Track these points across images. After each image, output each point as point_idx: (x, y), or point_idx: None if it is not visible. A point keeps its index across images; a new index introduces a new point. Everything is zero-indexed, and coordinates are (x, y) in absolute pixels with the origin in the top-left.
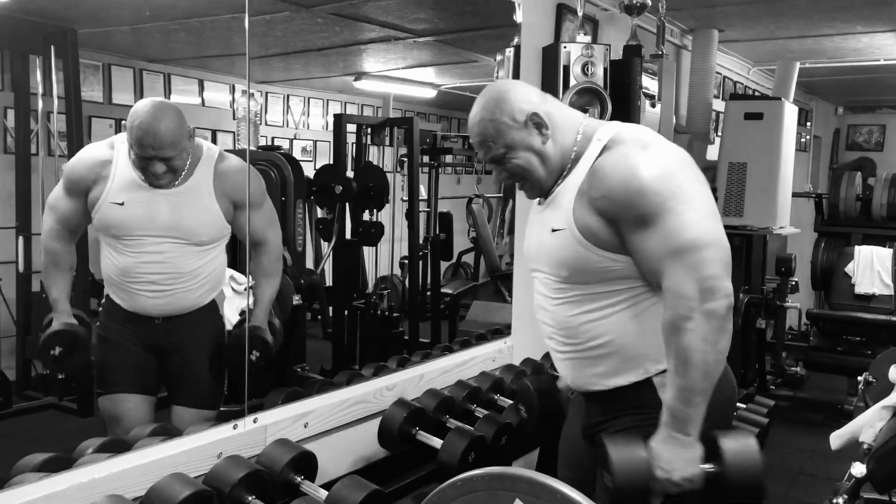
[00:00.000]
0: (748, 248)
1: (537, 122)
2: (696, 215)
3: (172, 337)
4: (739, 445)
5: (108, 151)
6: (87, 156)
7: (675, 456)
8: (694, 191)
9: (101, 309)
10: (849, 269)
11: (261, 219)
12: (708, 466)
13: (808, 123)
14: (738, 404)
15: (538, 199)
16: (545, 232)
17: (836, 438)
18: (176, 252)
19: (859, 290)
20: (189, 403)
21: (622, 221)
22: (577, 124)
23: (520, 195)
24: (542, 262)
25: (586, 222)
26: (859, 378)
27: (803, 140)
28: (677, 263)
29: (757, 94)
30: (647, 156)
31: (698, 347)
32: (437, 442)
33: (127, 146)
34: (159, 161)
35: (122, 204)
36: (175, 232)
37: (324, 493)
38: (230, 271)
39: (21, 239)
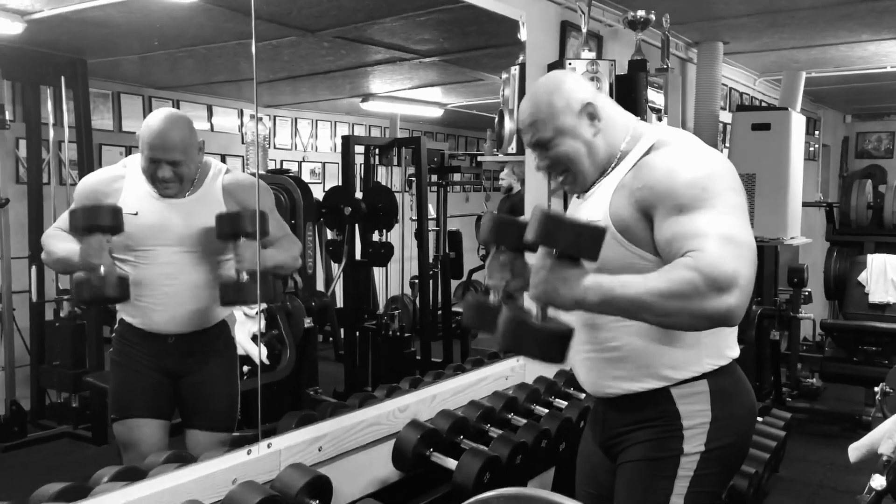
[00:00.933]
0: (760, 259)
1: (591, 113)
2: (735, 221)
3: (185, 357)
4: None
5: (121, 170)
6: (100, 172)
7: (560, 279)
8: (736, 201)
9: (114, 334)
10: (862, 277)
11: (272, 226)
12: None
13: (817, 132)
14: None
15: (577, 195)
16: None
17: (855, 450)
18: (190, 263)
19: (873, 299)
20: (203, 426)
21: (658, 210)
22: (628, 125)
23: (528, 210)
24: None
25: (621, 215)
26: (876, 388)
27: (812, 149)
28: (721, 243)
29: (764, 104)
30: (696, 156)
31: (685, 308)
32: (451, 463)
33: (139, 165)
34: (167, 164)
35: (136, 214)
36: (188, 241)
37: None
38: None
39: (34, 269)
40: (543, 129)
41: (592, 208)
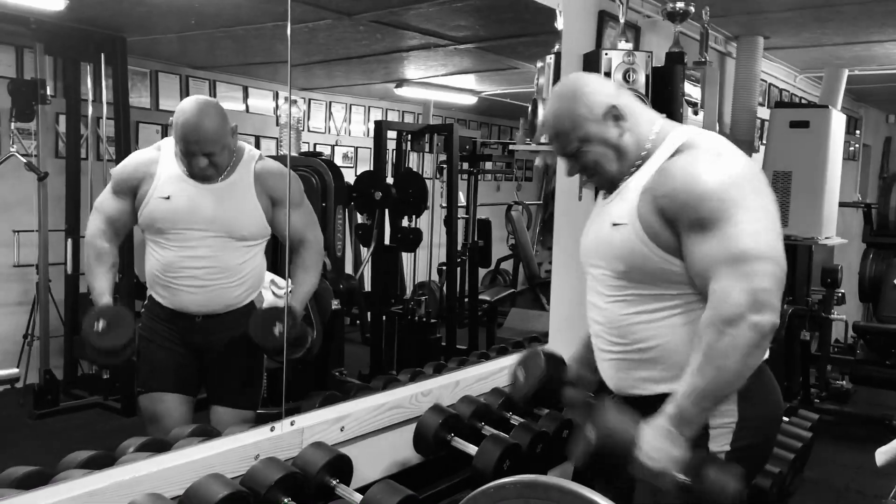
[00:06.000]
0: (793, 258)
1: (616, 115)
2: (756, 227)
3: (212, 336)
4: (724, 480)
5: (155, 153)
6: (135, 157)
7: (659, 447)
8: (758, 204)
9: (143, 310)
10: None
11: (300, 218)
12: (683, 477)
13: (858, 132)
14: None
15: (602, 193)
16: (605, 225)
17: (882, 454)
18: (218, 246)
19: None
20: (228, 403)
21: (680, 222)
22: (652, 121)
23: (558, 202)
24: (599, 257)
25: (649, 220)
26: None
27: (852, 149)
28: (730, 270)
29: (803, 101)
30: (716, 163)
31: (731, 356)
32: (472, 449)
33: (172, 147)
34: (203, 156)
35: (168, 198)
36: (217, 225)
37: (359, 497)
38: (270, 275)
39: (70, 241)
40: (568, 141)
41: (618, 210)
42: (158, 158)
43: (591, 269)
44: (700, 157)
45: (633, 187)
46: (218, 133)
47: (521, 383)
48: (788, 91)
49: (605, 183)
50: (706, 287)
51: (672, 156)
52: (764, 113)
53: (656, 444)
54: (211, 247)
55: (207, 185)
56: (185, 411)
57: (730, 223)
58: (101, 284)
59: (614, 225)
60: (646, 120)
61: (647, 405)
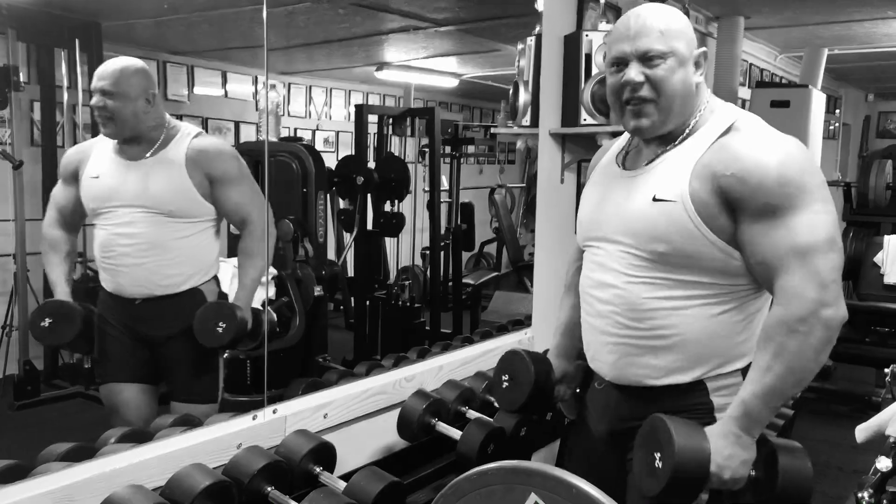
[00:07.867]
0: None
1: (699, 63)
2: (828, 218)
3: (154, 324)
4: (796, 464)
5: (95, 139)
6: (78, 145)
7: (731, 454)
8: (825, 194)
9: (98, 299)
10: (878, 258)
11: (241, 196)
12: (753, 472)
13: (837, 111)
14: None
15: (616, 160)
16: (639, 199)
17: (862, 431)
18: (146, 223)
19: (888, 280)
20: (183, 398)
21: (745, 206)
22: (706, 92)
23: (540, 185)
24: (627, 233)
25: (704, 200)
26: (886, 370)
27: (832, 128)
28: (801, 262)
29: (784, 81)
30: (788, 146)
31: (805, 354)
32: (456, 433)
33: None
34: (100, 94)
35: (97, 177)
36: (143, 201)
37: (342, 484)
38: (233, 261)
39: None
40: (661, 41)
41: (662, 186)
42: (96, 142)
43: (606, 244)
44: (767, 137)
45: (679, 160)
46: (118, 75)
47: (508, 391)
48: (769, 71)
49: (650, 119)
50: (770, 279)
51: (724, 133)
52: (745, 93)
53: (729, 452)
54: (140, 223)
55: (135, 162)
56: (146, 401)
57: (805, 212)
58: (55, 274)
59: (656, 200)
60: (705, 88)
61: (652, 397)
